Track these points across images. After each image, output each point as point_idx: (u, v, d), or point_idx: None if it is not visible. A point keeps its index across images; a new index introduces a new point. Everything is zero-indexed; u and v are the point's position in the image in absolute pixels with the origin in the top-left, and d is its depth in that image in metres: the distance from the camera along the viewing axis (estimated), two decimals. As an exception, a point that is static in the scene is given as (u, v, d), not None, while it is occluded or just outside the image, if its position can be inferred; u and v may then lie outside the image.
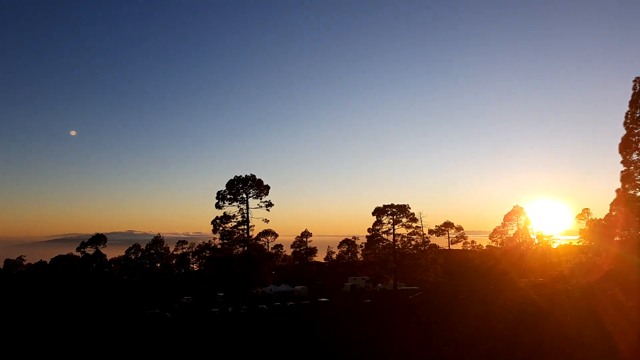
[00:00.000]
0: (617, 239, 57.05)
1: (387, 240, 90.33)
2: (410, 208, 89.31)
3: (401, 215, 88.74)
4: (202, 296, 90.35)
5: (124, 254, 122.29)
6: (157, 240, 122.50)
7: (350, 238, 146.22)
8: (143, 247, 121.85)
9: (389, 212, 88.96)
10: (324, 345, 41.96)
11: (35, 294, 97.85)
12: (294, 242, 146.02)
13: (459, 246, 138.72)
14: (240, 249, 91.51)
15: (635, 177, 49.49)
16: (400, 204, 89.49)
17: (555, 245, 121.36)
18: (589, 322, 37.83)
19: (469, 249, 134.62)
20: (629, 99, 49.92)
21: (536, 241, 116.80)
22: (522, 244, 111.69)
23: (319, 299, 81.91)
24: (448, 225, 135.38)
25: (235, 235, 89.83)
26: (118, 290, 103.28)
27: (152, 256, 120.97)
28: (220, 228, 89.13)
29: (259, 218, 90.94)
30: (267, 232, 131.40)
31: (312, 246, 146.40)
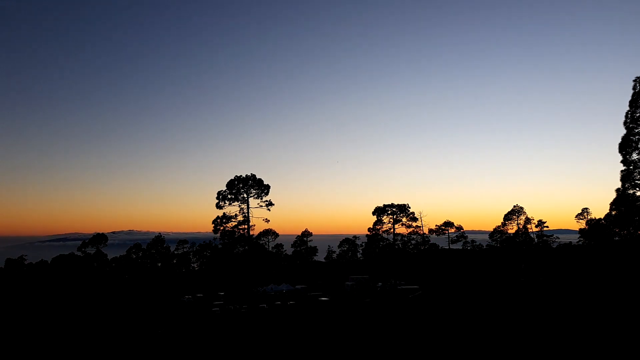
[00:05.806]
0: (617, 238, 57.29)
1: (387, 239, 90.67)
2: (410, 207, 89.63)
3: (401, 214, 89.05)
4: (203, 295, 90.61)
5: (125, 253, 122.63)
6: (158, 240, 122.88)
7: (350, 237, 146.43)
8: (144, 246, 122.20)
9: (389, 212, 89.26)
10: (323, 344, 42.15)
11: (36, 293, 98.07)
12: (295, 242, 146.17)
13: (459, 246, 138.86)
14: (241, 249, 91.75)
15: (635, 176, 49.74)
16: (400, 203, 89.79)
17: (555, 245, 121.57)
18: (590, 322, 38.06)
19: (469, 248, 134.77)
20: (629, 98, 50.24)
21: (536, 240, 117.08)
22: (522, 244, 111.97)
23: (320, 298, 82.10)
24: (448, 224, 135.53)
25: (235, 235, 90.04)
26: (119, 290, 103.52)
27: (153, 256, 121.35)
28: (221, 228, 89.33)
29: (259, 218, 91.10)
30: (267, 232, 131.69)
31: (313, 245, 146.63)
